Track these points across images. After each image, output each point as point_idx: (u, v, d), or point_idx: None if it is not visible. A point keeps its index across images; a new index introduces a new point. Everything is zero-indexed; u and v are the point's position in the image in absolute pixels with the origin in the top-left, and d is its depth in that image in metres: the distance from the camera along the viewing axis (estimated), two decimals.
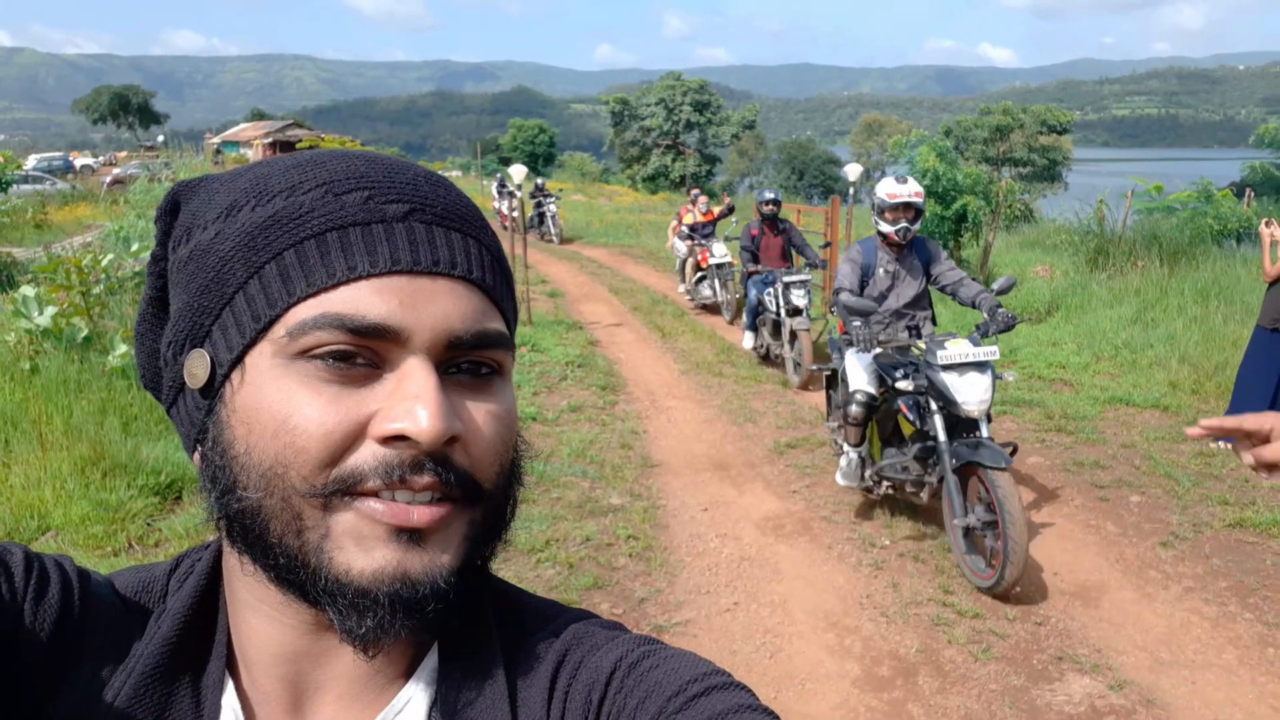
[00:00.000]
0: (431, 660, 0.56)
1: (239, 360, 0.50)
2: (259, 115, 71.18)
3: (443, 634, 0.55)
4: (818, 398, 7.25)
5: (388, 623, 0.49)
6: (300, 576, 0.49)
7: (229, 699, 0.55)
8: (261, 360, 0.50)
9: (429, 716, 0.55)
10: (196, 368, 0.52)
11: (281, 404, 0.48)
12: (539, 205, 19.61)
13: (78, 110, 78.02)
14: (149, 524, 4.44)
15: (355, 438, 0.49)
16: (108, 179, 31.35)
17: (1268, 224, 5.73)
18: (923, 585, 4.09)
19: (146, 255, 7.78)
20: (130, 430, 5.30)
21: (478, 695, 0.55)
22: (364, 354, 0.49)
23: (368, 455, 0.49)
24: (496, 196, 20.98)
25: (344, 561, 0.49)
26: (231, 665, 0.56)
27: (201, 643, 0.56)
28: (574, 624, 0.59)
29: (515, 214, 19.28)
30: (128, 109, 74.16)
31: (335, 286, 0.49)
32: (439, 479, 0.49)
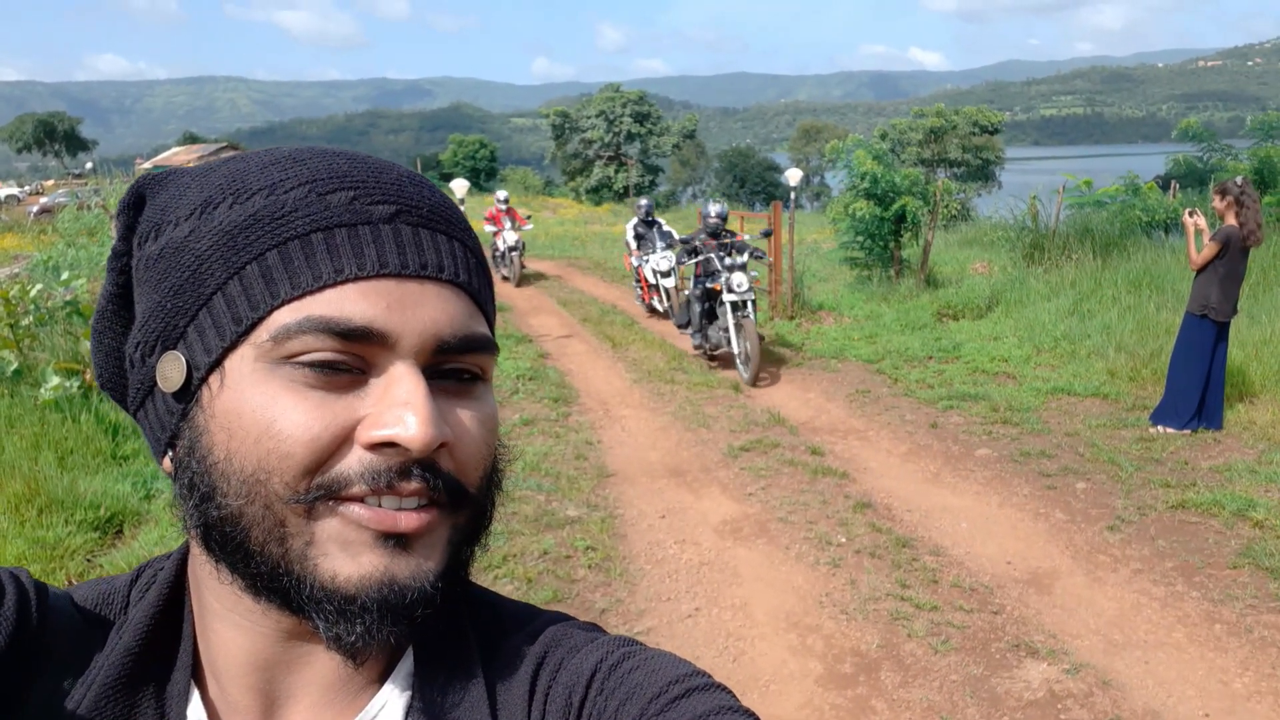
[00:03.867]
0: (407, 664, 0.55)
1: (217, 364, 0.48)
2: (191, 139, 69.76)
3: (418, 638, 0.54)
4: (767, 399, 7.30)
5: (376, 629, 0.48)
6: (284, 584, 0.48)
7: (194, 710, 0.53)
8: (242, 364, 0.48)
9: None
10: (170, 370, 0.49)
11: (265, 409, 0.47)
12: (708, 266, 8.47)
13: (0, 139, 75.74)
14: (89, 560, 4.29)
15: (341, 444, 0.47)
16: (34, 208, 30.44)
17: (1191, 214, 5.93)
18: (880, 581, 4.13)
19: (77, 284, 7.53)
20: (66, 465, 5.12)
21: (456, 698, 0.53)
22: (350, 358, 0.48)
23: (354, 462, 0.47)
24: (633, 245, 11.92)
25: (330, 568, 0.48)
26: (197, 676, 0.54)
27: (165, 653, 0.54)
28: (552, 626, 0.59)
29: (669, 281, 10.62)
30: (53, 136, 72.20)
31: (321, 289, 0.48)
32: (426, 485, 0.48)
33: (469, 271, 0.53)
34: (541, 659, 0.56)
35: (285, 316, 0.47)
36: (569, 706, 0.53)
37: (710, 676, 0.54)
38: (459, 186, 11.56)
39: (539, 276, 15.85)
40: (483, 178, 52.03)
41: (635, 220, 12.17)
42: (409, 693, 0.54)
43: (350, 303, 0.48)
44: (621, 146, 51.72)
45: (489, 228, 14.77)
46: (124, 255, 0.54)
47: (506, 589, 4.08)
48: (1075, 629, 3.67)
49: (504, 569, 4.27)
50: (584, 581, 4.19)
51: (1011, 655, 3.50)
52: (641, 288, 11.84)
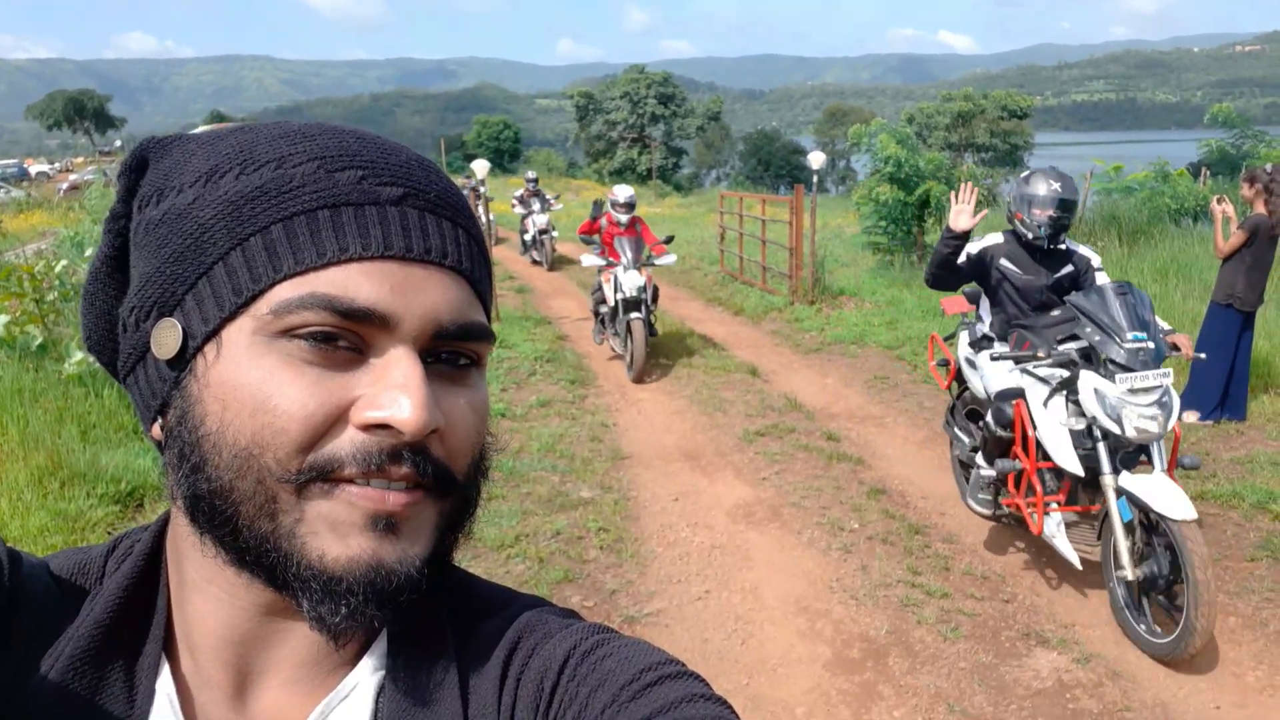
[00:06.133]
0: (380, 645, 0.55)
1: (214, 333, 0.48)
2: (219, 118, 70.22)
3: (393, 619, 0.54)
4: (785, 384, 7.28)
5: (360, 611, 0.48)
6: (270, 560, 0.48)
7: (164, 683, 0.53)
8: (240, 336, 0.48)
9: (376, 702, 0.53)
10: (166, 337, 0.49)
11: (262, 383, 0.47)
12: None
13: (32, 116, 76.64)
14: (110, 533, 4.36)
15: (335, 422, 0.48)
16: (64, 185, 30.85)
17: (1219, 201, 5.83)
18: (891, 567, 4.12)
19: None
20: (89, 438, 5.20)
21: (427, 681, 0.54)
22: (348, 337, 0.48)
23: (346, 442, 0.48)
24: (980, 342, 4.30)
25: (318, 548, 0.48)
26: (169, 649, 0.54)
27: (138, 625, 0.54)
28: (528, 611, 0.58)
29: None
30: (83, 114, 72.93)
31: (325, 267, 0.48)
32: (416, 470, 0.48)
33: (471, 259, 0.53)
34: (515, 644, 0.56)
35: (287, 291, 0.47)
36: (540, 692, 0.53)
37: (683, 664, 0.54)
38: (480, 167, 11.44)
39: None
40: (506, 159, 52.12)
41: (1004, 237, 4.16)
42: (381, 673, 0.54)
43: (354, 282, 0.48)
44: (646, 128, 51.55)
45: (590, 259, 8.04)
46: (122, 218, 0.54)
47: (518, 568, 4.11)
48: (1087, 619, 3.64)
49: (516, 548, 4.29)
50: (595, 562, 4.21)
51: (1021, 644, 3.48)
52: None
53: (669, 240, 8.15)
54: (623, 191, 8.16)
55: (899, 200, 10.98)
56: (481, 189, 10.71)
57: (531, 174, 16.00)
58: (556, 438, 5.99)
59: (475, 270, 0.53)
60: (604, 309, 8.13)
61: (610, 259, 7.90)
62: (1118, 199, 12.73)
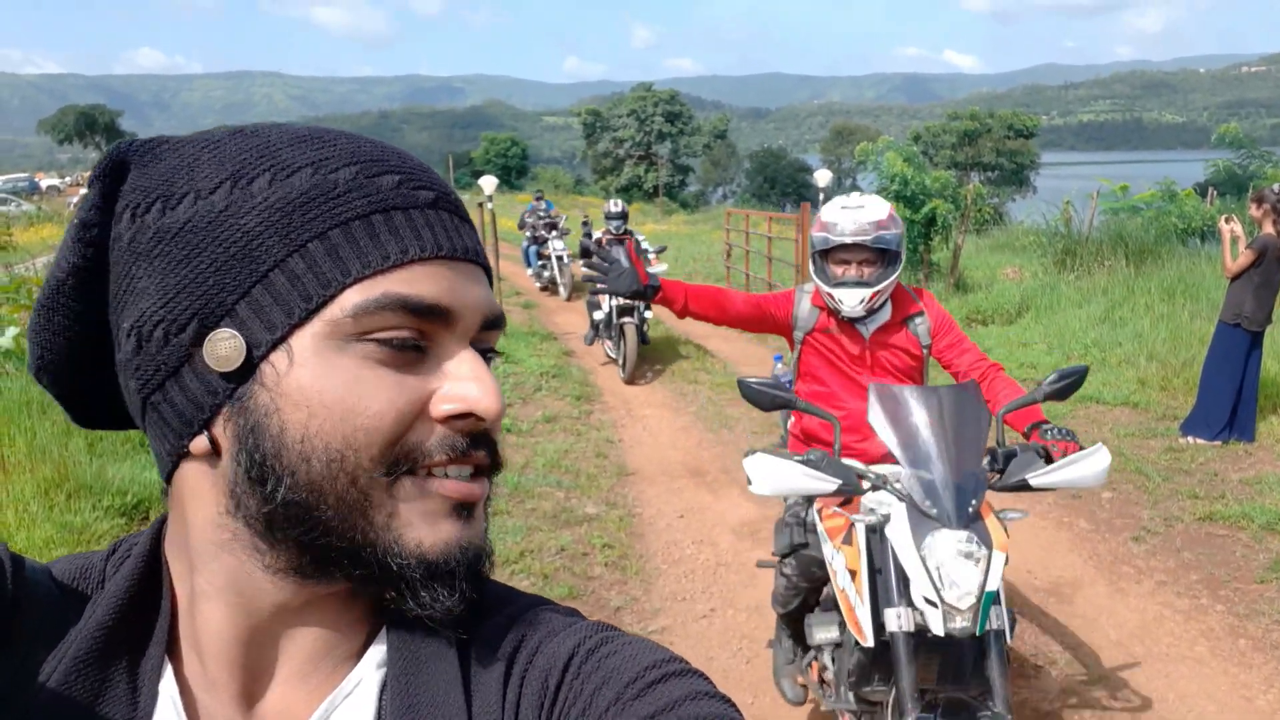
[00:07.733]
0: (384, 641, 0.55)
1: (281, 341, 0.48)
2: None
3: (395, 616, 0.55)
4: None
5: (463, 590, 0.51)
6: (367, 556, 0.50)
7: (167, 685, 0.53)
8: (310, 341, 0.48)
9: (380, 699, 0.54)
10: (226, 349, 0.48)
11: (351, 388, 0.48)
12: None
13: (43, 131, 77.24)
14: None
15: (416, 418, 0.50)
16: (74, 199, 31.05)
17: (1228, 220, 5.83)
18: None
19: None
20: (96, 450, 5.20)
21: (431, 678, 0.54)
22: (415, 336, 0.50)
23: (429, 434, 0.51)
24: None
25: (415, 538, 0.50)
26: (172, 650, 0.54)
27: (141, 627, 0.54)
28: (531, 609, 0.59)
29: None
30: (94, 129, 73.47)
31: (391, 269, 0.49)
32: (489, 453, 0.53)
33: (485, 257, 0.56)
34: (519, 642, 0.56)
35: (357, 295, 0.48)
36: (545, 689, 0.53)
37: (687, 662, 0.54)
38: (487, 184, 11.51)
39: None
40: (513, 175, 52.38)
41: None
42: (384, 670, 0.54)
43: (420, 282, 0.50)
44: (652, 146, 51.81)
45: (776, 474, 2.27)
46: (95, 226, 0.52)
47: (523, 585, 4.10)
48: (1096, 640, 3.62)
49: (521, 564, 4.28)
50: (600, 579, 4.20)
51: (1029, 665, 3.46)
52: None
53: (1078, 379, 2.26)
54: (847, 216, 2.64)
55: (905, 218, 10.99)
56: (489, 204, 10.75)
57: (617, 204, 9.57)
58: (561, 453, 5.98)
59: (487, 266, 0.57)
60: (834, 665, 2.65)
61: (857, 463, 2.58)
62: (1124, 218, 12.74)
